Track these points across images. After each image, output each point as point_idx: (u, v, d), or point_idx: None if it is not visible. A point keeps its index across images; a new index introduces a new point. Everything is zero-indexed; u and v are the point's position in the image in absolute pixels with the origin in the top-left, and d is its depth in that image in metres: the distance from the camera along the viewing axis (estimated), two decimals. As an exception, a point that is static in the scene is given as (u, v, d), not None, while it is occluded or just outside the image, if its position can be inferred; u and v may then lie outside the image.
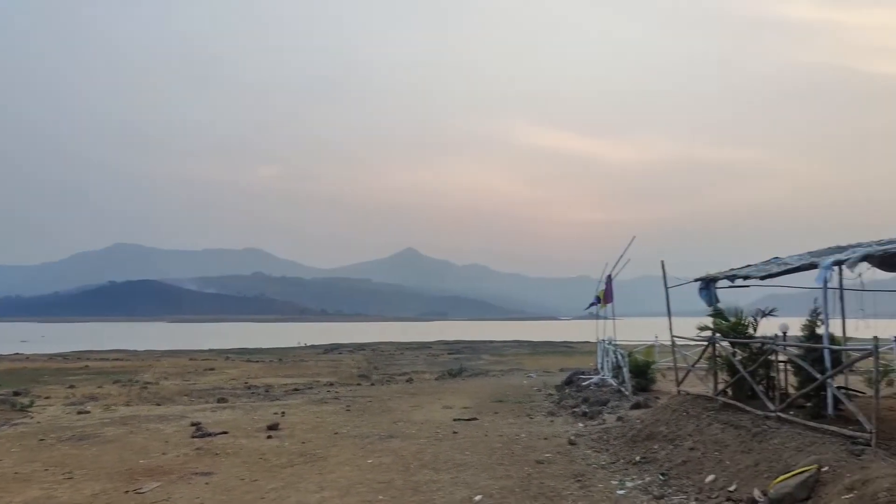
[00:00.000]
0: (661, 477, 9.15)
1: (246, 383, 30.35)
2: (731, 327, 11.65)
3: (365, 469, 10.72)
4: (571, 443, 12.23)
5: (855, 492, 6.22)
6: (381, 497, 9.01)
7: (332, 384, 27.62)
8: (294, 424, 15.24)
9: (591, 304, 25.08)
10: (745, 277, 11.27)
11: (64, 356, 55.74)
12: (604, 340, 23.08)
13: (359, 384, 27.36)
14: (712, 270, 12.95)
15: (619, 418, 13.87)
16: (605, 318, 22.82)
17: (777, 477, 7.32)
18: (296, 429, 14.68)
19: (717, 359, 11.73)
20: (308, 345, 77.91)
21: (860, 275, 9.54)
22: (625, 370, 17.89)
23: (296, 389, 25.33)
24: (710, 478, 8.42)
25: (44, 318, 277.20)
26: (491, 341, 77.89)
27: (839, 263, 9.35)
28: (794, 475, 7.08)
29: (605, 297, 21.09)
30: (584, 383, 20.74)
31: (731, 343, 11.61)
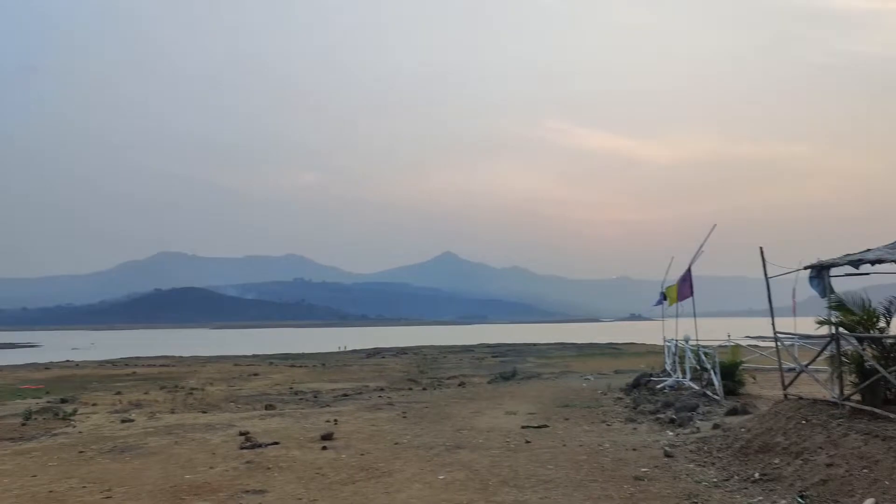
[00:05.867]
0: (799, 500, 7.62)
1: (291, 388, 29.38)
2: (858, 321, 10.02)
3: (437, 487, 9.39)
4: (668, 455, 10.73)
5: None
6: (462, 522, 7.68)
7: (382, 389, 26.44)
8: (349, 433, 14.01)
9: (658, 302, 23.46)
10: (875, 262, 9.59)
11: (112, 363, 55.79)
12: (675, 340, 21.41)
13: (410, 389, 26.12)
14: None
15: (716, 426, 12.30)
16: (676, 316, 21.15)
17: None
18: (352, 438, 13.44)
19: (843, 358, 10.05)
20: (349, 349, 77.37)
21: None
22: (714, 372, 16.25)
23: (345, 395, 24.19)
24: (869, 502, 6.89)
25: (93, 326, 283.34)
26: (534, 344, 76.33)
27: None
28: None
29: (680, 292, 19.43)
30: (658, 386, 19.13)
31: (859, 340, 9.96)
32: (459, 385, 26.74)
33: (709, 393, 16.07)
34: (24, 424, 16.78)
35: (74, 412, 19.01)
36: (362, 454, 11.83)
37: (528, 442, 12.64)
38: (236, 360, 57.60)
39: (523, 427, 14.40)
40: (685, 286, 19.03)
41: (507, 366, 39.44)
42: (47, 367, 52.95)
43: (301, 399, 23.45)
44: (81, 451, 12.65)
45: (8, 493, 9.59)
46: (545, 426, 14.53)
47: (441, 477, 9.97)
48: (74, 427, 16.37)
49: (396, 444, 12.80)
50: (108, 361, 57.93)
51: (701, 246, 18.14)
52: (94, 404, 22.68)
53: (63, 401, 23.61)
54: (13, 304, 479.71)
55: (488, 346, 75.08)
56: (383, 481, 9.84)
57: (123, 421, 17.09)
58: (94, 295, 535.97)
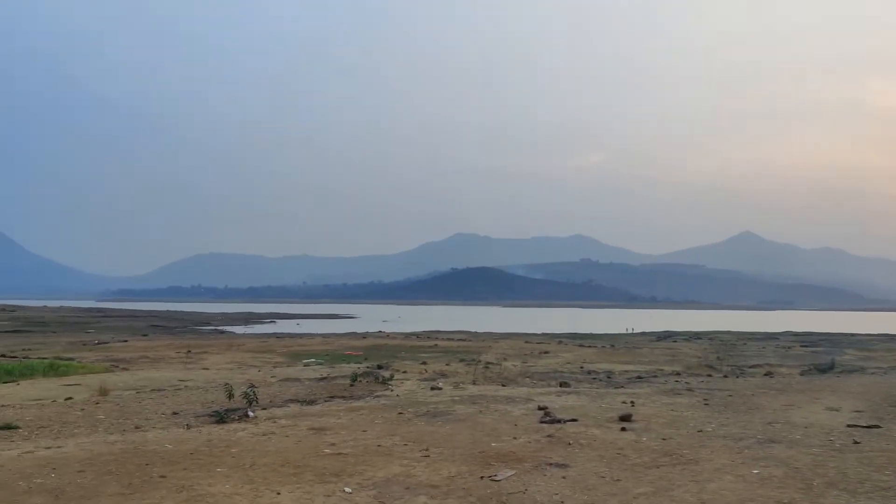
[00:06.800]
0: None
1: (582, 367, 29.62)
2: None
3: (752, 482, 8.70)
4: None
5: None
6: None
7: (678, 374, 25.45)
8: (648, 417, 13.64)
9: None
10: None
11: (417, 335, 61.34)
12: None
13: (709, 375, 24.75)
14: None
15: None
16: None
17: None
18: (651, 422, 13.06)
19: None
20: (637, 332, 75.79)
21: None
22: None
23: (639, 377, 23.71)
24: None
25: (399, 301, 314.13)
26: (853, 334, 67.79)
27: None
28: None
29: None
30: None
31: None
32: (766, 375, 24.69)
33: None
34: (351, 385, 19.12)
35: (392, 377, 21.16)
36: (664, 439, 11.44)
37: (856, 442, 11.17)
38: (526, 337, 59.72)
39: (849, 426, 12.76)
40: None
41: (820, 357, 35.56)
42: (364, 336, 59.94)
43: (594, 378, 23.51)
44: (400, 413, 14.02)
45: (345, 442, 10.97)
46: (877, 426, 12.72)
47: (755, 471, 9.23)
48: (392, 391, 18.23)
49: (700, 431, 12.16)
50: (412, 334, 63.82)
51: None
52: (404, 371, 25.08)
53: (379, 367, 26.48)
54: (336, 280, 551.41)
55: (795, 334, 68.62)
56: (690, 469, 9.40)
57: (433, 388, 18.61)
58: (400, 273, 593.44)
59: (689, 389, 18.63)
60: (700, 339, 59.92)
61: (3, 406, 15.87)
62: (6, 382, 25.58)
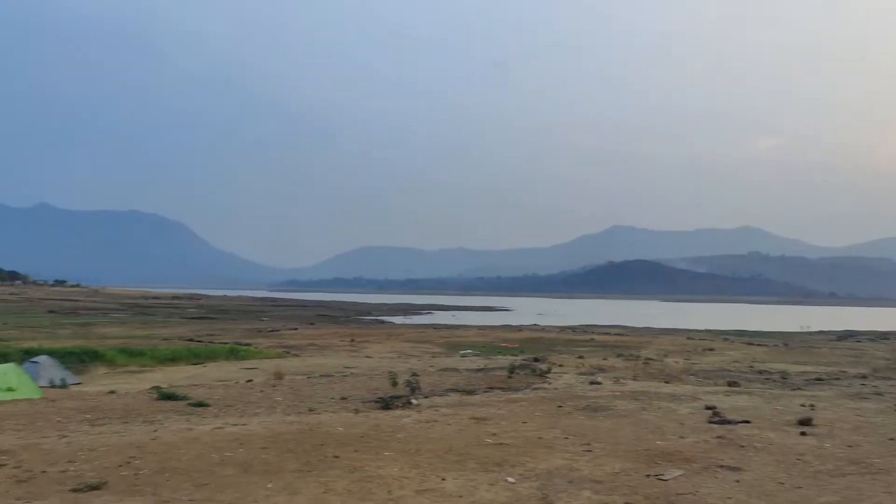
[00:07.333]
0: None
1: (752, 366, 27.94)
2: None
3: (957, 497, 7.80)
4: None
5: None
6: None
7: (864, 376, 23.31)
8: (831, 421, 12.59)
9: None
10: None
11: (573, 329, 60.69)
12: None
13: (901, 379, 22.44)
14: None
15: None
16: None
17: None
18: (834, 427, 12.04)
19: None
20: (815, 330, 70.31)
21: None
22: None
23: (818, 379, 21.96)
24: None
25: (554, 294, 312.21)
26: None
27: None
28: None
29: None
30: None
31: None
32: (971, 381, 21.99)
33: None
34: (509, 377, 19.24)
35: (549, 370, 21.07)
36: (850, 446, 10.51)
37: None
38: (688, 333, 57.27)
39: None
40: None
41: None
42: (519, 328, 60.11)
43: (767, 379, 22.10)
44: (560, 406, 13.90)
45: (506, 433, 11.05)
46: None
47: (960, 486, 8.25)
48: (550, 384, 18.14)
49: (892, 439, 11.05)
50: (568, 327, 63.18)
51: None
52: (561, 365, 24.86)
53: (535, 359, 26.44)
54: (490, 273, 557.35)
55: None
56: (881, 479, 8.57)
57: (591, 383, 18.31)
58: (555, 266, 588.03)
59: (878, 394, 17.01)
60: (888, 339, 54.57)
61: (195, 385, 17.54)
62: (195, 364, 28.25)
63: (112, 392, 15.88)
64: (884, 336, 58.67)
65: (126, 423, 11.87)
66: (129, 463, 8.59)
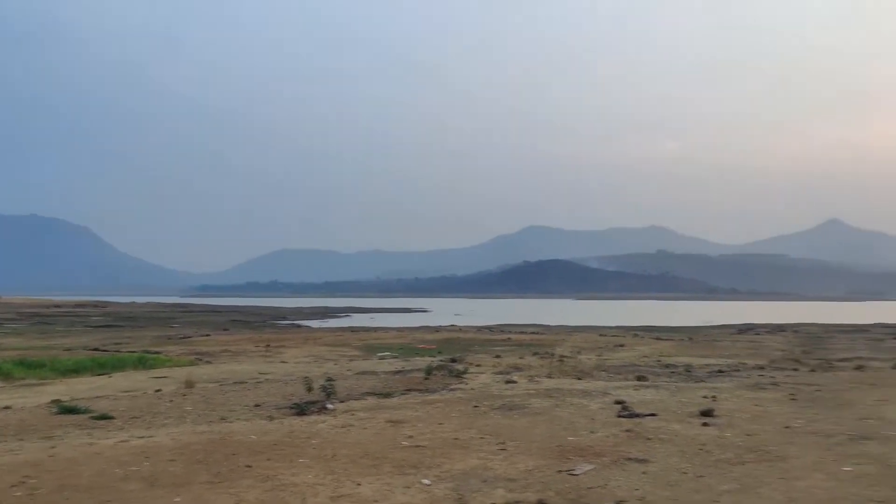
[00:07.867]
0: None
1: (659, 360, 28.99)
2: None
3: (844, 479, 8.34)
4: None
5: None
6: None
7: (761, 367, 24.59)
8: (731, 412, 13.23)
9: None
10: None
11: (489, 329, 61.35)
12: None
13: (794, 369, 23.79)
14: None
15: None
16: None
17: None
18: (734, 417, 12.66)
19: None
20: (717, 324, 73.70)
21: None
22: None
23: (720, 371, 23.02)
24: None
25: (471, 295, 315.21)
26: (953, 326, 64.00)
27: None
28: None
29: None
30: None
31: None
32: (856, 369, 23.55)
33: None
34: (426, 378, 19.26)
35: (466, 371, 21.21)
36: (749, 435, 11.08)
37: (959, 440, 10.55)
38: (601, 330, 58.89)
39: (951, 423, 12.07)
40: None
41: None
42: (437, 329, 60.33)
43: (672, 372, 22.98)
44: (476, 406, 14.04)
45: (423, 435, 11.07)
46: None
47: (847, 469, 8.84)
48: (467, 384, 18.27)
49: (787, 427, 11.72)
50: (485, 327, 63.84)
51: None
52: (478, 365, 25.09)
53: (453, 360, 26.57)
54: (408, 274, 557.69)
55: (887, 325, 65.30)
56: (777, 466, 9.08)
57: (507, 382, 18.56)
58: (473, 266, 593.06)
59: (774, 384, 17.98)
60: (784, 331, 57.84)
61: (98, 397, 16.74)
62: (100, 374, 26.98)
63: (7, 407, 14.96)
64: (780, 328, 62.15)
65: (21, 440, 11.22)
66: (23, 483, 8.11)
